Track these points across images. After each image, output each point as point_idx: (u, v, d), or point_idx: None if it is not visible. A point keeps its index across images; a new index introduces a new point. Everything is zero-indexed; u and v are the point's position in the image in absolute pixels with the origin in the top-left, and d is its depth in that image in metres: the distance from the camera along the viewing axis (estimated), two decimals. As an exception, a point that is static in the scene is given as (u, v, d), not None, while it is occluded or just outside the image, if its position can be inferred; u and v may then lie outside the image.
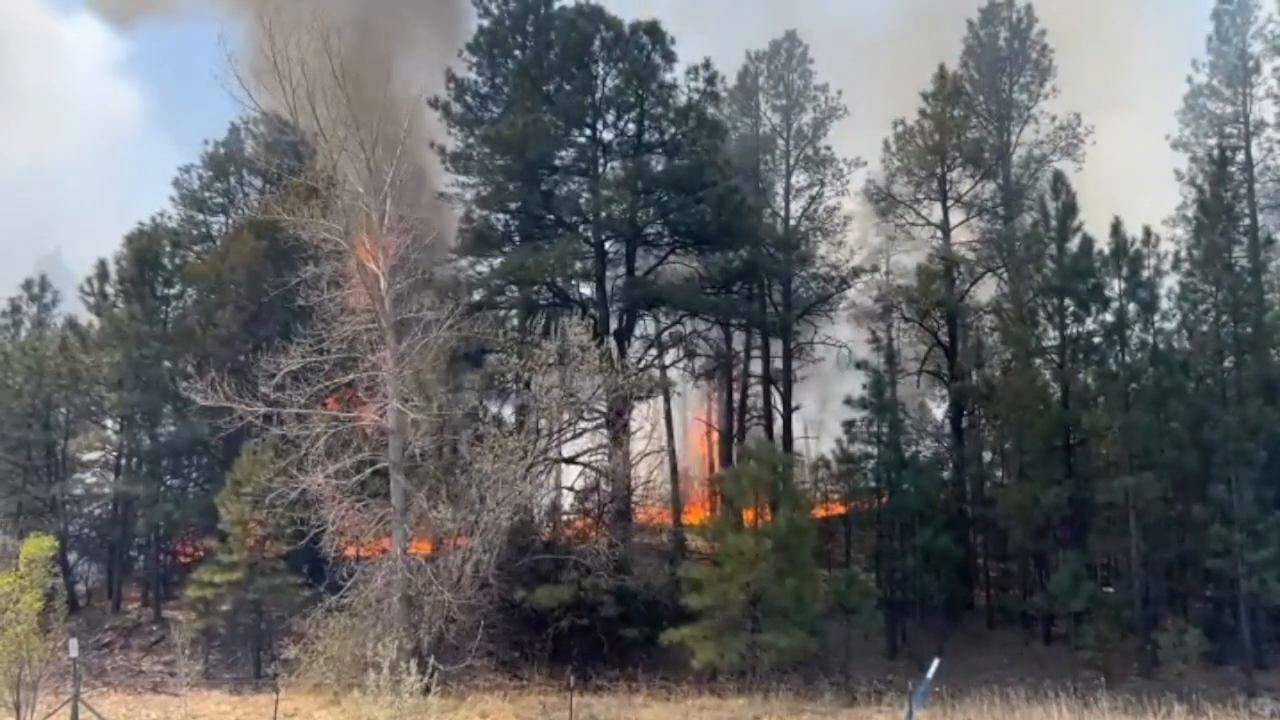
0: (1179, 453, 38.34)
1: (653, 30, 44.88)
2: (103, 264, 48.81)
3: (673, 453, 48.64)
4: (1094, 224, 41.17)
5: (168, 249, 49.43)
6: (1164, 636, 36.61)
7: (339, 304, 34.87)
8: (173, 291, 49.33)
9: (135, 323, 45.96)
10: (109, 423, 49.06)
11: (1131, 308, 39.84)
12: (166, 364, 46.55)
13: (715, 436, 60.01)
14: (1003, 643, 42.99)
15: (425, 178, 47.67)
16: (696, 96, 46.67)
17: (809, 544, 36.11)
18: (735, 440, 53.86)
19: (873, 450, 42.82)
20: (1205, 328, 40.90)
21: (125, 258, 48.39)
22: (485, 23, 49.20)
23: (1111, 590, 40.32)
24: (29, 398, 46.44)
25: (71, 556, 47.57)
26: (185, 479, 50.40)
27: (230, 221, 52.90)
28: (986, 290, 51.21)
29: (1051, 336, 42.20)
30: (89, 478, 49.68)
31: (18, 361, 46.99)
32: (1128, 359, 39.90)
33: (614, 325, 46.60)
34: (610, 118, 46.33)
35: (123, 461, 48.48)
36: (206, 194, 53.31)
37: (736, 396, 56.46)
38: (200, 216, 53.81)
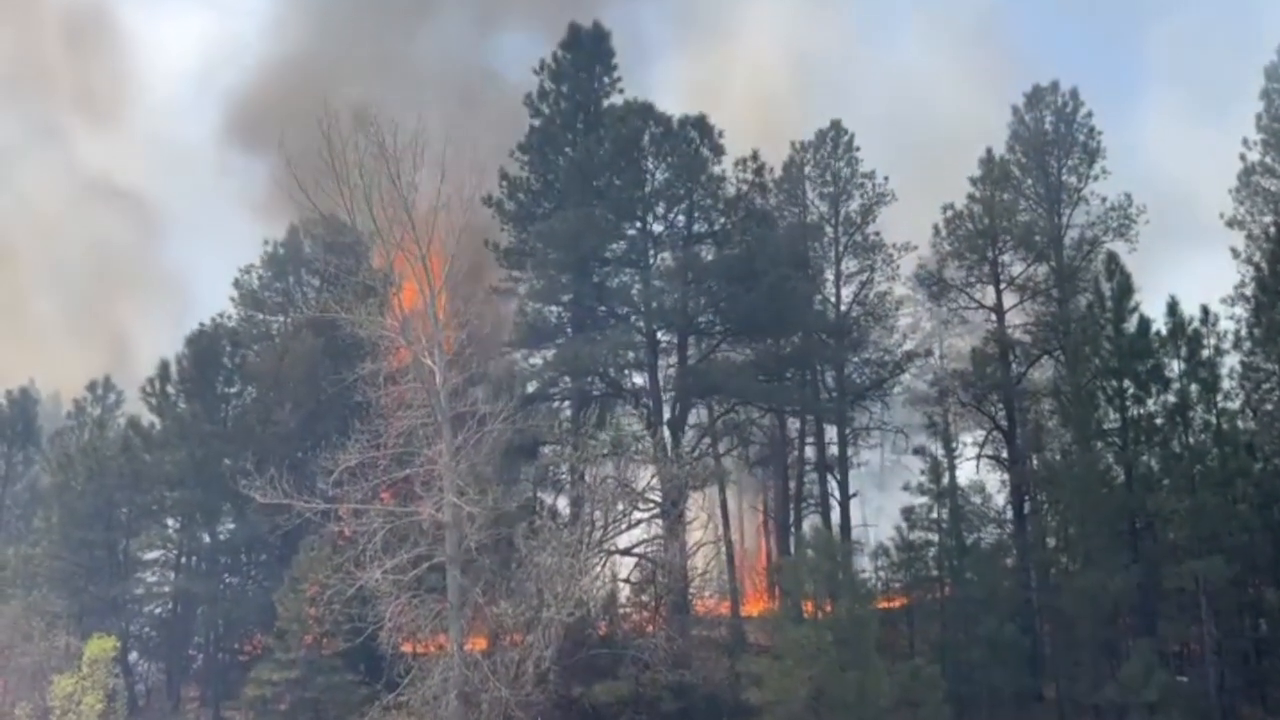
0: (1249, 535, 37.37)
1: (701, 124, 45.68)
2: (164, 364, 49.86)
3: (729, 542, 48.19)
4: (1150, 303, 40.89)
5: (228, 348, 50.46)
6: (1244, 727, 35.40)
7: (395, 399, 35.30)
8: (233, 390, 50.28)
9: (196, 421, 46.67)
10: (169, 521, 49.58)
11: (1193, 388, 39.20)
12: (226, 461, 47.01)
13: (772, 525, 59.34)
14: (1074, 735, 41.70)
15: (479, 273, 48.39)
16: (745, 187, 47.27)
17: (871, 636, 35.43)
18: (792, 529, 53.28)
19: (933, 537, 42.20)
20: (1270, 406, 40.13)
21: (186, 357, 49.40)
22: (536, 122, 50.37)
23: (1186, 679, 39.10)
24: (91, 498, 47.09)
25: (132, 656, 47.78)
26: (244, 576, 50.60)
27: (289, 320, 53.88)
28: (1043, 372, 50.66)
29: (1112, 419, 41.49)
30: (150, 576, 50.06)
31: (80, 463, 47.80)
32: (1191, 440, 39.14)
33: (667, 414, 46.57)
34: (660, 210, 47.02)
35: (183, 559, 48.87)
36: (266, 294, 54.38)
37: (792, 484, 55.97)
38: (260, 316, 54.83)
